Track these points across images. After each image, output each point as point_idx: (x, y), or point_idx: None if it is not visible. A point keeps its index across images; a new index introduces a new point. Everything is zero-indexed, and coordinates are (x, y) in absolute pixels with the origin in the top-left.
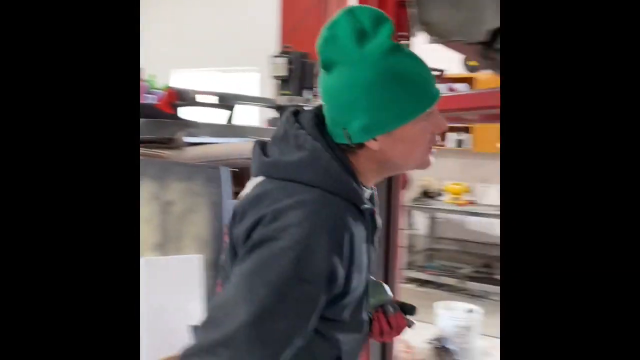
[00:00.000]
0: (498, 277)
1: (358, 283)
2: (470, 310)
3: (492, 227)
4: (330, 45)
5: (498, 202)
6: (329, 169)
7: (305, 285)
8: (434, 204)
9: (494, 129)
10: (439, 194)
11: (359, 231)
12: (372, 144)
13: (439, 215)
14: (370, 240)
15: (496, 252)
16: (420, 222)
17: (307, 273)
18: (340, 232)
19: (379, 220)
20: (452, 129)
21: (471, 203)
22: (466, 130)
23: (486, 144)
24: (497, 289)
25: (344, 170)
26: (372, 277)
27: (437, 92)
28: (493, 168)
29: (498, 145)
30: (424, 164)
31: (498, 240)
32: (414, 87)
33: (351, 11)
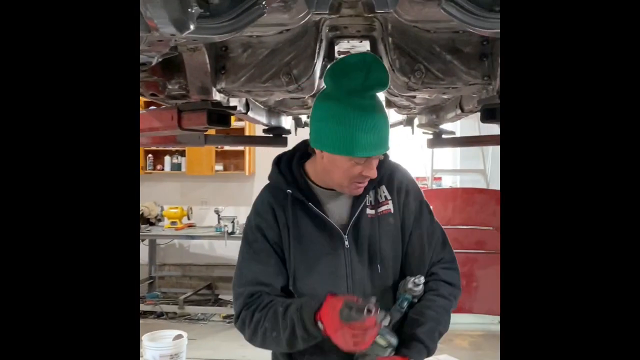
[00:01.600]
0: (220, 297)
1: (295, 251)
2: (179, 337)
3: (212, 249)
4: None
5: (216, 224)
6: (273, 171)
7: (252, 233)
8: (153, 230)
9: (207, 151)
10: (160, 220)
11: (286, 208)
12: (316, 151)
13: (160, 241)
14: (308, 222)
15: (219, 273)
16: (141, 250)
17: (249, 228)
18: (264, 205)
19: (316, 210)
20: (167, 152)
21: (190, 226)
22: (182, 153)
23: (200, 166)
24: (218, 309)
25: (280, 173)
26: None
27: (361, 150)
28: (209, 190)
29: (214, 167)
30: (343, 190)
31: (219, 261)
32: (336, 132)
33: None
